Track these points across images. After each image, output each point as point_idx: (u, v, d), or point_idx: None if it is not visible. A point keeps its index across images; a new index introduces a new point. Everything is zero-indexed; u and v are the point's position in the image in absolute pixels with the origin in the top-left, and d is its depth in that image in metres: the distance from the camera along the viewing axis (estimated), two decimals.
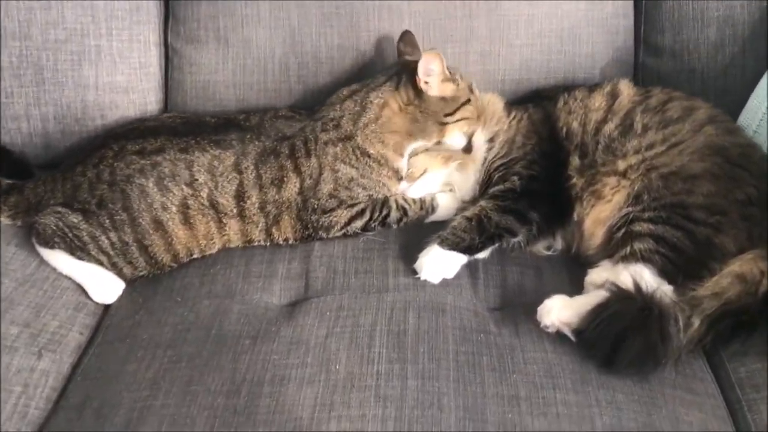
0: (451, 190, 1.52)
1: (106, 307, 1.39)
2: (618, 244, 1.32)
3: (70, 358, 1.29)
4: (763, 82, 1.49)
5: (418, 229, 1.45)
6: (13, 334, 1.26)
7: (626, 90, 1.47)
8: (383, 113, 1.45)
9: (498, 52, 1.62)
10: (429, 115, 1.45)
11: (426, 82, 1.43)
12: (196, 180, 1.39)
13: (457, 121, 1.46)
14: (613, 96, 1.47)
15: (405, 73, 1.47)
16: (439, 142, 1.48)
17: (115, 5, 1.63)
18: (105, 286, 1.40)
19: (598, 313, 1.18)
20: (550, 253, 1.44)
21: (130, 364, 1.21)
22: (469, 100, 1.47)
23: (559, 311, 1.22)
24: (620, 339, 1.16)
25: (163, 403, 1.13)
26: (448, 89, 1.45)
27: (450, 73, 1.45)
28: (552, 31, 1.61)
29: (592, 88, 1.51)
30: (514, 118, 1.52)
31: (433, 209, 1.49)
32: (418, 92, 1.45)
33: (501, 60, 1.62)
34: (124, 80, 1.66)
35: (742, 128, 1.46)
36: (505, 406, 1.10)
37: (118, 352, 1.25)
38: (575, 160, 1.41)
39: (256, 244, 1.45)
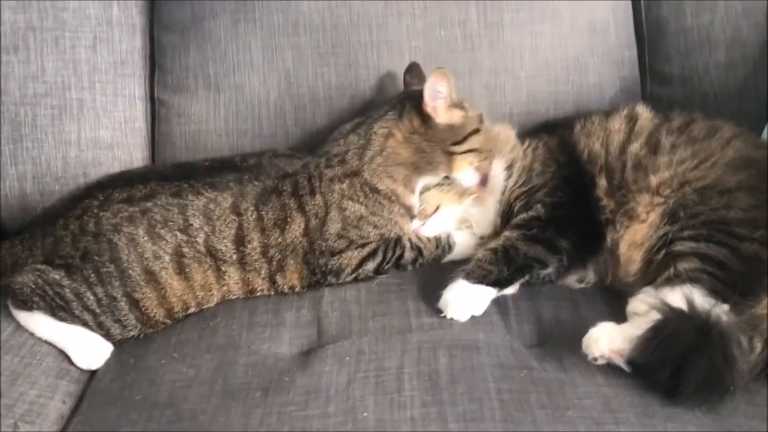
0: (468, 227, 1.41)
1: (92, 373, 1.24)
2: (659, 267, 1.21)
3: (52, 428, 1.12)
4: None
5: (435, 270, 1.33)
6: None
7: (644, 113, 1.41)
8: (387, 144, 1.35)
9: (503, 85, 1.55)
10: (435, 144, 1.35)
11: (433, 107, 1.34)
12: (191, 225, 1.27)
13: (466, 152, 1.35)
14: (632, 119, 1.39)
15: (409, 101, 1.38)
16: (447, 177, 1.37)
17: (98, 59, 1.55)
18: (90, 350, 1.25)
19: (652, 336, 1.05)
20: (583, 285, 1.32)
21: (122, 428, 1.04)
22: (478, 130, 1.37)
23: (609, 339, 1.09)
24: (682, 364, 1.03)
25: None
26: (456, 116, 1.36)
27: (458, 101, 1.36)
28: (557, 61, 1.56)
29: (607, 113, 1.44)
30: (529, 146, 1.43)
31: (450, 248, 1.38)
32: (424, 120, 1.36)
33: (507, 93, 1.55)
34: (108, 135, 1.55)
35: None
36: None
37: (108, 417, 1.09)
38: (603, 182, 1.32)
39: (258, 294, 1.32)
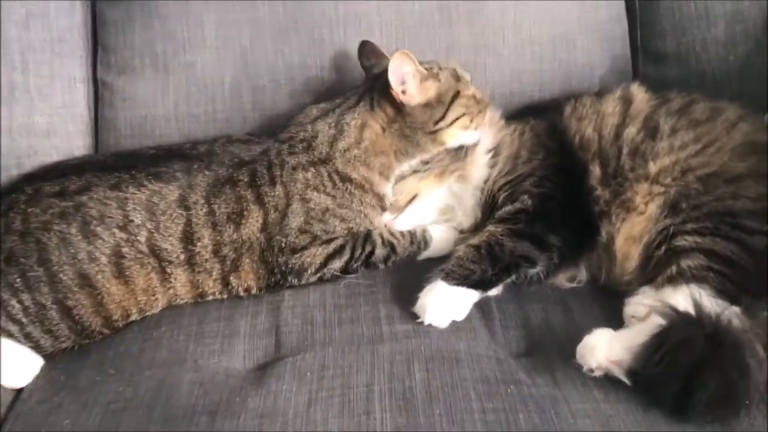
0: (447, 220, 1.28)
1: (18, 392, 1.08)
2: (660, 265, 1.09)
3: None
4: None
5: (410, 269, 1.20)
6: None
7: (640, 94, 1.29)
8: (365, 136, 1.22)
9: (484, 63, 1.42)
10: (417, 128, 1.23)
11: (403, 91, 1.21)
12: (132, 221, 1.13)
13: (452, 123, 1.23)
14: (627, 100, 1.28)
15: (376, 88, 1.25)
16: (439, 153, 1.25)
17: (32, 36, 1.40)
18: (16, 365, 1.10)
19: (657, 345, 0.93)
20: (574, 285, 1.19)
21: None
22: (458, 93, 1.24)
23: (606, 348, 0.97)
24: (691, 377, 0.90)
25: None
26: (431, 89, 1.22)
27: (427, 69, 1.23)
28: (543, 37, 1.44)
29: (599, 93, 1.32)
30: (514, 131, 1.31)
31: (426, 243, 1.24)
32: (397, 107, 1.22)
33: (488, 71, 1.43)
34: (45, 122, 1.40)
35: None
36: None
37: None
38: (596, 170, 1.19)
39: (210, 297, 1.18)
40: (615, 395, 0.94)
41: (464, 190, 1.27)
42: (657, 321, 0.96)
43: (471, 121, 1.24)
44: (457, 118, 1.23)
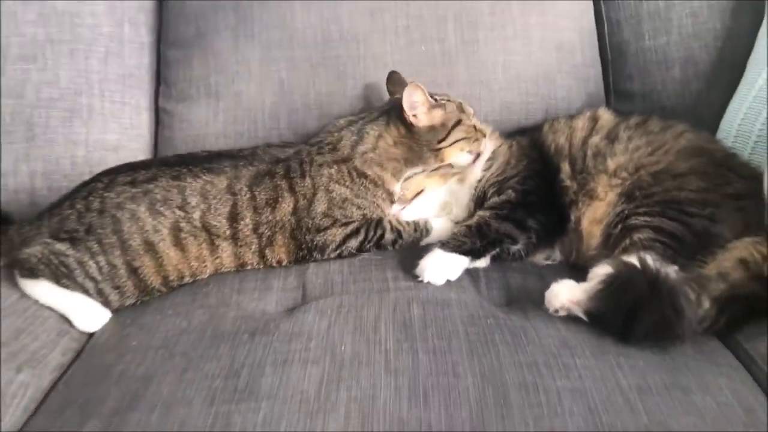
0: (447, 214, 1.52)
1: (91, 335, 1.31)
2: (617, 240, 1.31)
3: (51, 375, 1.20)
4: (727, 113, 1.58)
5: (414, 251, 1.42)
6: None
7: (605, 115, 1.54)
8: (379, 144, 1.48)
9: (479, 96, 1.69)
10: (423, 145, 1.49)
11: (414, 115, 1.47)
12: (188, 203, 1.37)
13: (452, 144, 1.48)
14: (595, 119, 1.52)
15: (394, 110, 1.52)
16: (439, 167, 1.51)
17: (109, 70, 1.71)
18: (90, 314, 1.33)
19: (606, 286, 1.15)
20: (549, 262, 1.42)
21: (117, 366, 1.13)
22: (460, 121, 1.50)
23: (568, 292, 1.19)
24: (633, 310, 1.12)
25: (156, 390, 1.05)
26: (437, 116, 1.49)
27: (435, 99, 1.50)
28: (528, 75, 1.70)
29: (573, 116, 1.57)
30: (507, 144, 1.56)
31: (428, 231, 1.48)
32: (408, 127, 1.49)
33: (482, 103, 1.69)
34: (114, 139, 1.69)
35: (720, 140, 1.52)
36: (524, 371, 1.04)
37: (104, 360, 1.17)
38: (566, 167, 1.44)
39: (249, 267, 1.41)
40: (575, 327, 1.15)
41: (461, 189, 1.52)
42: (608, 269, 1.18)
43: (469, 145, 1.50)
44: (456, 141, 1.49)
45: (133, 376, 1.09)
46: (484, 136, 1.53)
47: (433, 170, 1.51)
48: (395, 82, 1.58)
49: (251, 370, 1.05)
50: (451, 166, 1.52)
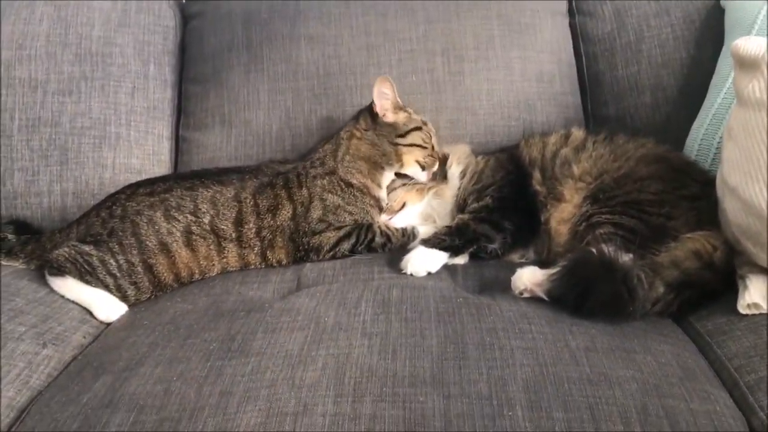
0: (432, 223, 1.67)
1: (108, 325, 1.47)
2: (582, 236, 1.44)
3: (72, 352, 1.35)
4: (691, 131, 1.72)
5: (402, 254, 1.56)
6: (21, 331, 1.34)
7: (577, 132, 1.68)
8: (351, 144, 1.68)
9: (465, 120, 1.86)
10: (384, 137, 1.67)
11: (381, 106, 1.67)
12: (200, 209, 1.55)
13: (410, 145, 1.67)
14: (567, 136, 1.67)
15: (363, 110, 1.73)
16: (399, 173, 1.69)
17: (135, 103, 1.92)
18: (109, 306, 1.49)
19: (565, 268, 1.28)
20: (523, 261, 1.56)
21: (129, 339, 1.28)
22: (419, 128, 1.69)
23: (531, 275, 1.32)
24: (588, 287, 1.25)
25: (161, 353, 1.19)
26: (401, 116, 1.70)
27: (403, 104, 1.69)
28: (510, 102, 1.87)
29: (547, 133, 1.72)
30: (482, 159, 1.72)
31: (415, 236, 1.63)
32: (374, 118, 1.69)
33: (468, 126, 1.86)
34: (138, 163, 1.89)
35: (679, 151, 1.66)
36: (483, 333, 1.17)
37: (119, 337, 1.32)
38: (537, 175, 1.59)
39: (252, 267, 1.57)
40: (535, 304, 1.28)
41: (440, 205, 1.68)
42: (568, 256, 1.33)
43: (423, 157, 1.69)
44: (414, 144, 1.67)
45: (143, 344, 1.24)
46: (437, 161, 1.71)
47: (410, 185, 1.69)
48: None
49: (244, 336, 1.20)
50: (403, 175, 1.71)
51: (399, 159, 1.68)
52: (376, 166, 1.68)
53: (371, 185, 1.65)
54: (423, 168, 1.70)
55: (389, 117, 1.68)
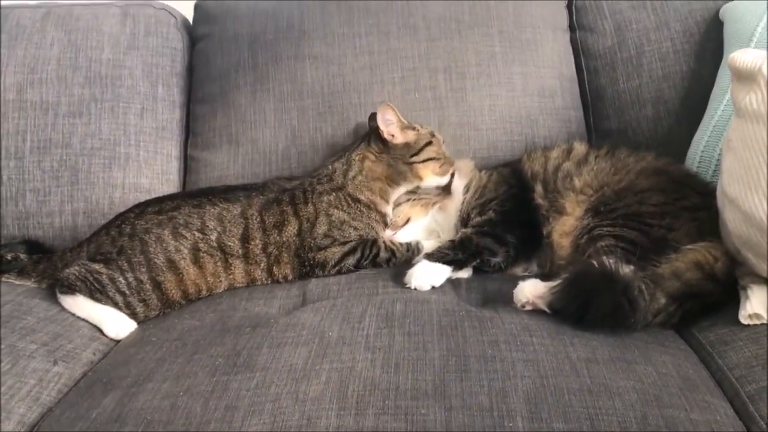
0: (436, 238, 1.69)
1: (118, 342, 1.49)
2: (584, 249, 1.46)
3: (82, 368, 1.38)
4: (693, 143, 1.74)
5: (405, 268, 1.58)
6: (32, 348, 1.37)
7: (579, 146, 1.71)
8: (364, 165, 1.70)
9: (468, 136, 1.88)
10: (398, 159, 1.70)
11: (391, 135, 1.70)
12: (207, 226, 1.57)
13: (425, 161, 1.69)
14: (569, 150, 1.69)
15: (372, 133, 1.75)
16: (418, 187, 1.70)
17: (144, 124, 1.95)
18: (118, 323, 1.51)
19: (567, 280, 1.30)
20: (527, 274, 1.57)
21: (137, 355, 1.31)
22: (431, 142, 1.71)
23: (533, 287, 1.34)
24: (589, 298, 1.26)
25: (168, 368, 1.22)
26: (410, 135, 1.72)
27: (409, 123, 1.72)
28: (512, 118, 1.89)
29: (549, 147, 1.74)
30: (485, 173, 1.75)
31: (419, 251, 1.65)
32: (385, 143, 1.71)
33: (471, 142, 1.88)
34: (147, 183, 1.92)
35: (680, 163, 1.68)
36: (485, 346, 1.18)
37: (128, 352, 1.35)
38: (539, 188, 1.61)
39: (258, 283, 1.59)
40: (537, 317, 1.29)
41: (444, 219, 1.70)
42: (570, 268, 1.34)
43: (440, 167, 1.71)
44: (428, 159, 1.70)
45: (151, 359, 1.26)
46: (452, 164, 1.73)
47: (415, 200, 1.70)
48: (374, 119, 1.78)
49: (250, 351, 1.22)
50: (427, 192, 1.73)
51: (417, 175, 1.71)
52: (392, 184, 1.71)
53: (379, 201, 1.68)
54: (441, 175, 1.72)
55: (399, 139, 1.70)
